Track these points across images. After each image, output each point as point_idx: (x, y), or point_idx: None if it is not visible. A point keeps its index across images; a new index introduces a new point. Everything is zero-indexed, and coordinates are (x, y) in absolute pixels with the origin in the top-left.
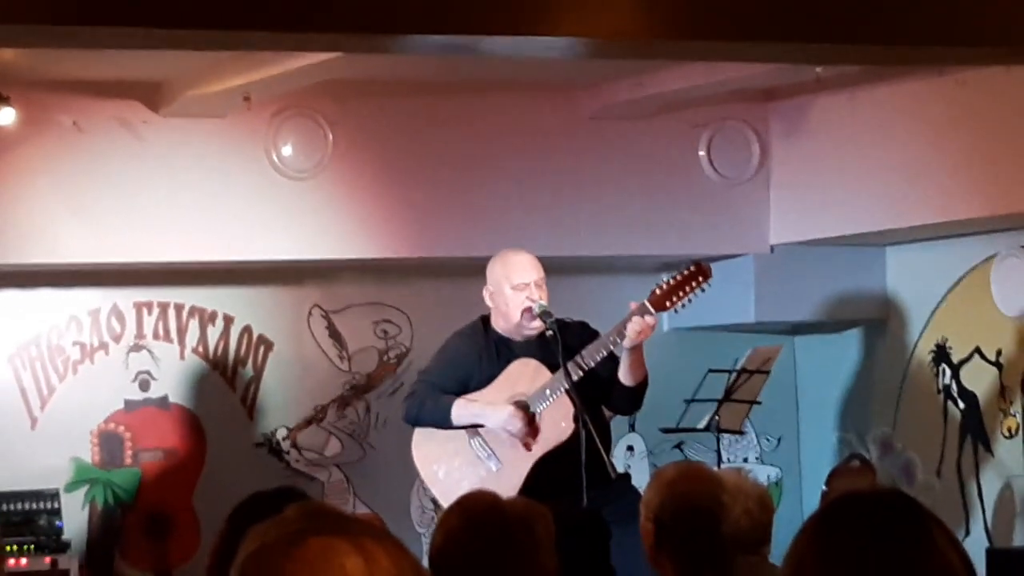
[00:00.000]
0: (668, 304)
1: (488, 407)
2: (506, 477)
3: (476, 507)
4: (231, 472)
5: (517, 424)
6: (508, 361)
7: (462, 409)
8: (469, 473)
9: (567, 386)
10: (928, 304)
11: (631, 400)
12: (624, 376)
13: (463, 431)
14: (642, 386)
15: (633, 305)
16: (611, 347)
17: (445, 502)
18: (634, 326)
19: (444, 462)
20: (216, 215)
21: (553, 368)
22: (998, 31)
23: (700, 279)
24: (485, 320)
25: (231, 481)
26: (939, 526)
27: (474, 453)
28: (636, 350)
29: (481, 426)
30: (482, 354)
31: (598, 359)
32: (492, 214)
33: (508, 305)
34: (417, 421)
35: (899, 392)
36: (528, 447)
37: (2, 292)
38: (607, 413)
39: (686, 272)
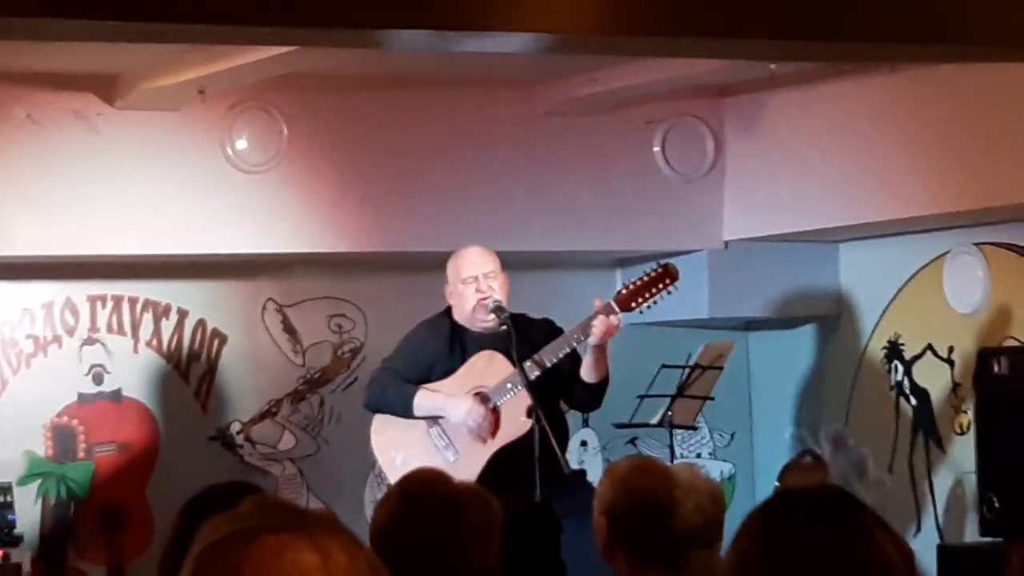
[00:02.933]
0: (634, 305)
1: (450, 399)
2: (463, 468)
3: (412, 483)
4: (185, 466)
5: (477, 418)
6: (471, 353)
7: (424, 399)
8: (426, 461)
9: (523, 383)
10: (881, 301)
11: (592, 397)
12: (587, 373)
13: (423, 421)
14: (603, 384)
15: (598, 303)
16: (574, 344)
17: None
18: (599, 326)
19: (402, 450)
20: (171, 208)
21: (515, 362)
22: (951, 29)
23: (668, 281)
24: (450, 311)
25: (184, 475)
26: (878, 522)
27: (432, 442)
28: (601, 348)
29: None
30: (446, 345)
31: (559, 356)
32: (447, 209)
33: (461, 300)
34: (378, 408)
35: (851, 388)
36: (485, 441)
37: None
38: (564, 406)
39: (653, 273)
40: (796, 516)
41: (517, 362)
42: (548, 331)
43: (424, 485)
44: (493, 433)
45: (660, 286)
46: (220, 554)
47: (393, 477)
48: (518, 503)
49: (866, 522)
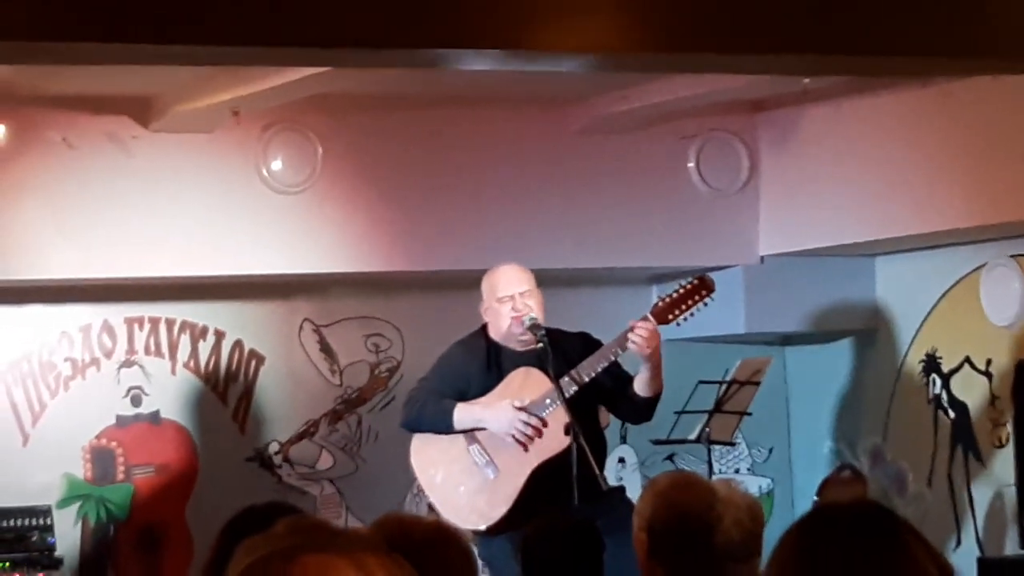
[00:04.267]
0: (671, 317)
1: (489, 409)
2: (503, 485)
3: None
4: (223, 487)
5: (519, 424)
6: (507, 371)
7: (463, 413)
8: (466, 480)
9: (561, 400)
10: (918, 314)
11: (644, 411)
12: (641, 388)
13: (462, 438)
14: (656, 398)
15: (633, 323)
16: (612, 358)
17: (442, 508)
18: (636, 333)
19: (442, 468)
20: (206, 230)
21: (552, 378)
22: (983, 42)
23: (704, 292)
24: (486, 329)
25: (223, 496)
26: (917, 537)
27: (472, 460)
28: (656, 364)
29: (481, 430)
30: (481, 363)
31: (596, 371)
32: (482, 227)
33: (497, 318)
34: (417, 426)
35: (889, 402)
36: (527, 448)
37: None
38: (603, 421)
39: (689, 285)
40: (834, 531)
41: (554, 378)
42: (584, 345)
43: (384, 535)
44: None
45: (696, 297)
46: (262, 574)
47: (433, 496)
48: (562, 520)
49: (904, 537)
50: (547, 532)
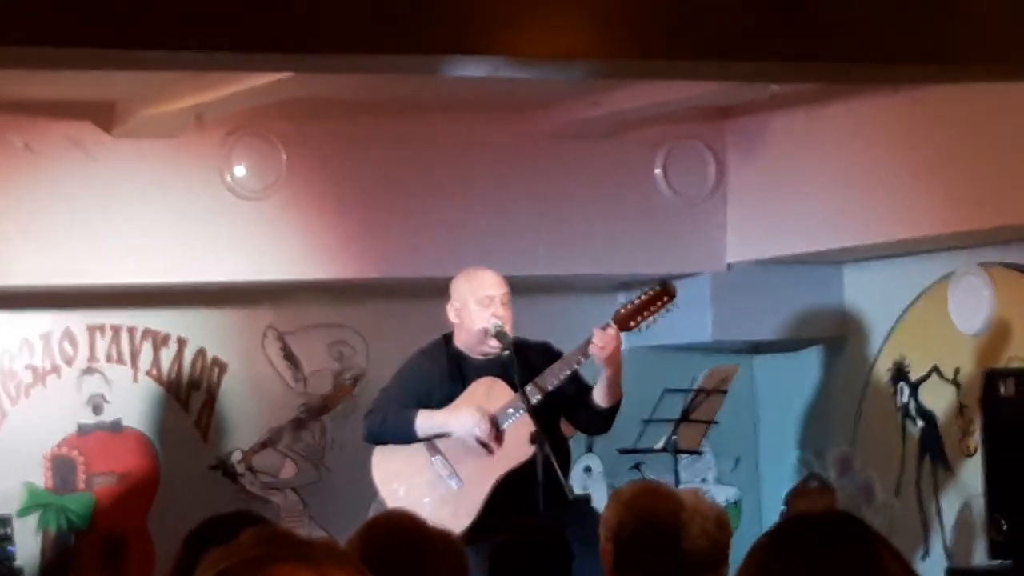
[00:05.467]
0: (632, 324)
1: (452, 414)
2: (467, 496)
3: (375, 532)
4: (185, 495)
5: (483, 429)
6: (470, 380)
7: (426, 420)
8: (430, 492)
9: (525, 408)
10: (886, 322)
11: (603, 421)
12: (600, 397)
13: (424, 450)
14: (615, 408)
15: (596, 329)
16: (575, 367)
17: None
18: (597, 341)
19: (405, 480)
20: (169, 236)
21: (516, 387)
22: (952, 50)
23: (665, 299)
24: (448, 338)
25: (185, 504)
26: (887, 548)
27: (435, 471)
28: (615, 372)
29: (444, 437)
30: (443, 373)
31: (560, 379)
32: (448, 234)
33: (473, 319)
34: (379, 437)
35: (858, 411)
36: (492, 452)
37: None
38: (567, 432)
39: (651, 292)
40: (806, 542)
41: (519, 386)
42: (546, 354)
43: (387, 534)
44: (500, 446)
45: (658, 304)
46: None
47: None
48: (531, 529)
49: (875, 547)
50: (516, 541)
